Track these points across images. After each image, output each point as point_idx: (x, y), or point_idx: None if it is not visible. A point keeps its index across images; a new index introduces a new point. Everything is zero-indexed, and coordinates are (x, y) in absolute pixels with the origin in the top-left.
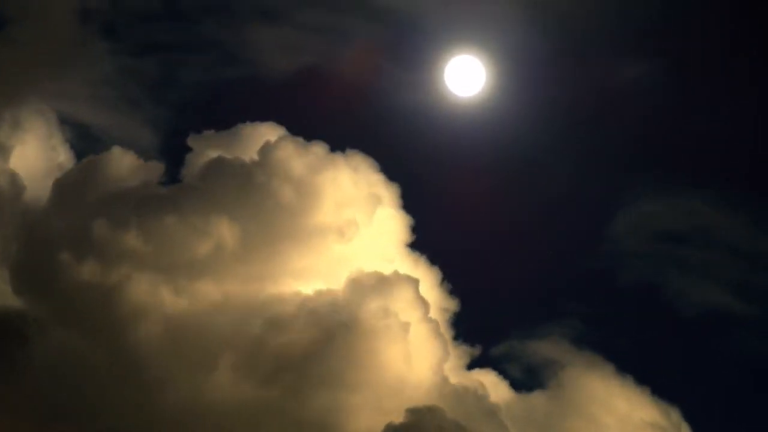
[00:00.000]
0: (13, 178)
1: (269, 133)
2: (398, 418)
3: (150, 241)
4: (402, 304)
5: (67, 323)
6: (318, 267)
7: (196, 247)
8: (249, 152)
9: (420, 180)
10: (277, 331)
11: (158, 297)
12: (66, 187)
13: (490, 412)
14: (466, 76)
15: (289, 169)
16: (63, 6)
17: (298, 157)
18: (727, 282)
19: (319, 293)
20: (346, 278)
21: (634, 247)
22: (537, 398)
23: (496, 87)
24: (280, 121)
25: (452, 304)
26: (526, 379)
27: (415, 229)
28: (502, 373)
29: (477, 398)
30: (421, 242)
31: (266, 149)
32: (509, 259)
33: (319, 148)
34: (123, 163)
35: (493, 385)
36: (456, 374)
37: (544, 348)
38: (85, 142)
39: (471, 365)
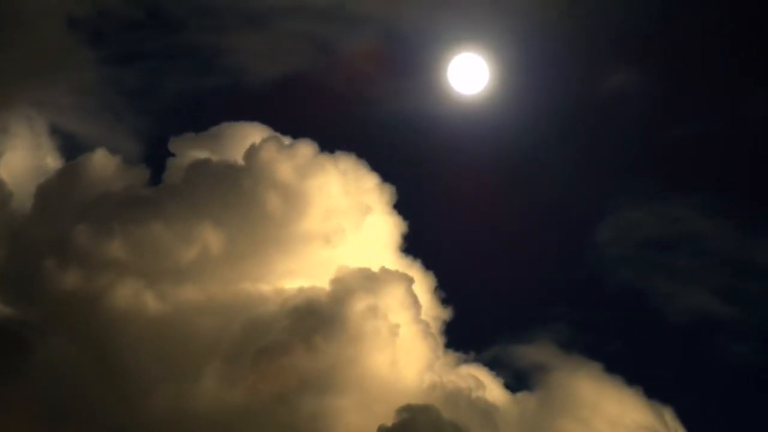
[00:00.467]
0: (0, 185)
1: (253, 134)
2: (389, 421)
3: (134, 246)
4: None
5: (54, 330)
6: (305, 271)
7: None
8: (232, 154)
9: (417, 181)
10: (259, 333)
11: (142, 302)
12: (49, 192)
13: (484, 410)
14: (469, 74)
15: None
16: (51, 14)
17: (285, 160)
18: (713, 287)
19: (301, 290)
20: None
21: (621, 253)
22: (528, 400)
23: (500, 85)
24: None
25: (444, 312)
26: (515, 383)
27: (407, 236)
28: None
29: (470, 398)
30: (416, 246)
31: (251, 151)
32: (497, 264)
33: (307, 150)
34: (107, 166)
35: (485, 384)
36: (448, 373)
37: (533, 352)
38: (73, 149)
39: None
